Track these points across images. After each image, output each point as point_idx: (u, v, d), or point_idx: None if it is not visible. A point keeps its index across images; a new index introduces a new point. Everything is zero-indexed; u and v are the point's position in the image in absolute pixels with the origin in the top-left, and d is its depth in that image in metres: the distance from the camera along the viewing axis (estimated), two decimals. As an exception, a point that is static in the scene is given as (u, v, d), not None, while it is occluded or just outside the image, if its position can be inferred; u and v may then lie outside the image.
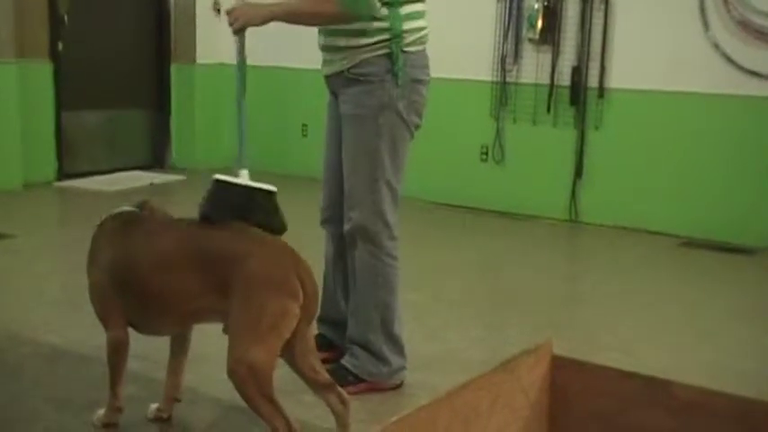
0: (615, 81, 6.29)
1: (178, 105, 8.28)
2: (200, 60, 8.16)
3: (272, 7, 3.10)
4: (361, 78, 3.12)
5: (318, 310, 2.64)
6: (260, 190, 2.72)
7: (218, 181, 2.72)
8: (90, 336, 3.51)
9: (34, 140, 6.99)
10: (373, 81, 3.10)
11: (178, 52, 8.20)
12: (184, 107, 8.26)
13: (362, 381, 3.21)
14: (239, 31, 3.11)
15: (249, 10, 3.10)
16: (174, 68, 8.24)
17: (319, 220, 3.45)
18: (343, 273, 3.36)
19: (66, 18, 7.23)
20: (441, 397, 1.55)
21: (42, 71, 7.09)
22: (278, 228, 2.67)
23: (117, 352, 2.74)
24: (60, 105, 7.28)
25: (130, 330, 2.76)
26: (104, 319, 2.74)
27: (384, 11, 3.02)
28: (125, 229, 2.72)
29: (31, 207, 6.56)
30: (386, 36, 3.06)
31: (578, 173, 6.50)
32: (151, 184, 7.45)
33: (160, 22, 8.17)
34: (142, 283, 2.62)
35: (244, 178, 2.87)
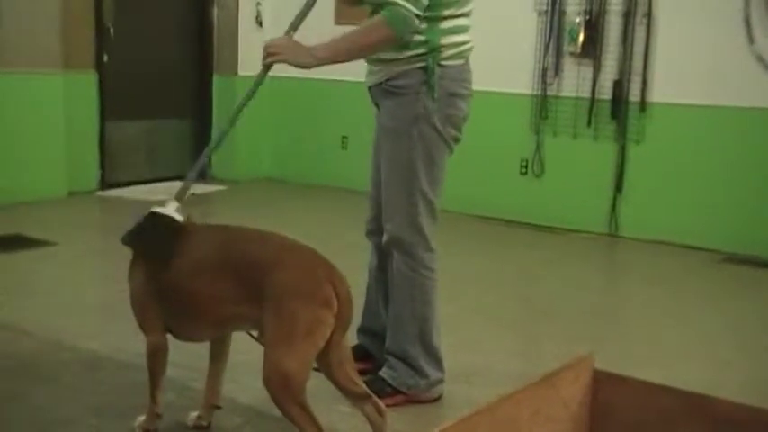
0: (657, 95, 6.24)
1: (219, 117, 8.35)
2: (241, 72, 8.22)
3: (317, 53, 3.02)
4: (397, 90, 3.12)
5: (353, 318, 2.63)
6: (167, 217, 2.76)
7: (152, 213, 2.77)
8: (129, 343, 3.55)
9: (78, 150, 7.09)
10: (408, 93, 3.10)
11: (220, 64, 8.28)
12: (225, 118, 8.30)
13: (400, 393, 3.20)
14: (269, 66, 3.08)
15: (291, 50, 3.03)
16: (215, 80, 8.31)
17: (364, 230, 3.45)
18: (384, 284, 3.35)
19: (111, 30, 7.33)
20: (482, 408, 1.54)
21: (87, 82, 7.19)
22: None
23: (156, 357, 2.77)
24: (104, 115, 7.38)
25: (169, 338, 2.79)
26: (144, 324, 2.77)
27: (423, 25, 3.02)
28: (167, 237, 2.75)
29: (74, 215, 6.64)
30: (423, 50, 3.05)
31: (618, 187, 6.45)
32: (192, 194, 7.49)
33: (203, 34, 8.25)
34: (180, 289, 2.65)
35: (171, 208, 2.81)
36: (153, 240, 2.74)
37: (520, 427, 1.64)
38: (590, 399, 1.82)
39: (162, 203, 2.83)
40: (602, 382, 1.83)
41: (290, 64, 3.06)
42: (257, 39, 8.15)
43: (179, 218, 2.77)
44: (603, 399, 1.82)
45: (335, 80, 7.70)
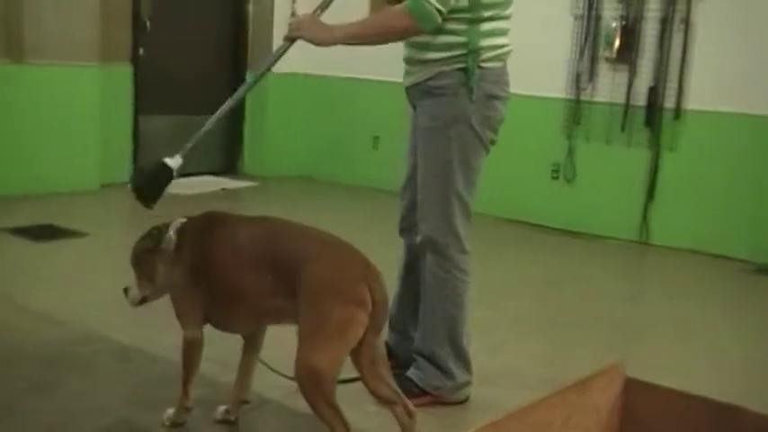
0: (692, 102, 6.19)
1: (251, 113, 8.39)
2: (275, 69, 8.22)
3: (334, 31, 3.09)
4: (436, 91, 3.13)
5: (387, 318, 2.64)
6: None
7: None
8: (159, 335, 3.58)
9: (112, 142, 7.15)
10: (447, 94, 3.11)
11: (254, 60, 8.32)
12: (257, 115, 8.36)
13: (427, 394, 3.21)
14: (292, 40, 3.14)
15: (314, 27, 3.10)
16: (249, 76, 8.34)
17: (398, 229, 3.45)
18: (412, 283, 3.36)
19: (148, 24, 7.39)
20: (513, 413, 1.54)
21: (123, 75, 7.26)
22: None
23: (192, 351, 2.79)
24: (138, 109, 7.44)
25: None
26: (182, 316, 2.79)
27: (463, 26, 3.02)
28: (208, 228, 2.78)
29: (106, 207, 6.71)
30: (463, 51, 3.05)
31: (650, 194, 6.41)
32: (222, 189, 7.56)
33: (238, 30, 8.30)
34: (222, 280, 2.68)
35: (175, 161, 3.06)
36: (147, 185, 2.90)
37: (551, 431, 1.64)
38: (620, 406, 1.82)
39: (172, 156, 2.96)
40: (634, 390, 1.82)
41: (309, 40, 3.12)
42: (291, 36, 8.20)
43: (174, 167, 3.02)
44: (634, 407, 1.81)
45: (368, 80, 7.72)
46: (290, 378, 2.76)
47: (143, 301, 2.90)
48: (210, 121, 3.23)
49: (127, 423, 2.91)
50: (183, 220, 2.89)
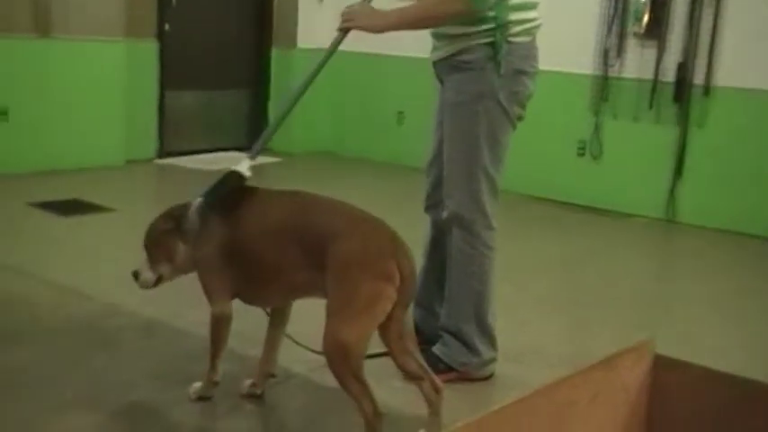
0: (722, 79, 6.10)
1: (277, 89, 8.38)
2: (300, 45, 8.23)
3: (389, 17, 3.08)
4: (463, 66, 3.10)
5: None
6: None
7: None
8: (184, 310, 3.60)
9: (137, 118, 7.18)
10: (474, 69, 3.08)
11: (279, 36, 8.30)
12: (283, 90, 8.35)
13: (452, 369, 3.20)
14: (346, 31, 3.11)
15: (367, 15, 3.09)
16: (274, 52, 8.34)
17: (423, 205, 3.44)
18: (438, 259, 3.35)
19: (174, -1, 7.40)
20: (540, 389, 1.52)
21: (148, 51, 7.27)
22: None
23: (220, 326, 2.79)
24: (163, 84, 7.45)
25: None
26: (211, 291, 2.79)
27: (491, 0, 2.99)
28: (240, 201, 2.77)
29: (132, 183, 6.75)
30: (491, 25, 3.02)
31: (678, 171, 6.34)
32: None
33: (263, 6, 8.27)
34: (252, 254, 2.67)
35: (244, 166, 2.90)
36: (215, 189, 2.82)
37: (579, 409, 1.63)
38: (650, 384, 1.80)
39: (237, 161, 2.89)
40: (662, 368, 1.80)
41: (363, 29, 3.09)
42: (316, 12, 8.17)
43: (246, 174, 2.84)
44: (663, 384, 1.79)
45: (392, 56, 7.68)
46: (318, 352, 2.77)
47: (157, 282, 2.89)
48: (273, 124, 3.19)
49: (152, 397, 2.93)
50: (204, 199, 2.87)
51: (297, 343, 3.11)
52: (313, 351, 3.09)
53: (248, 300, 2.82)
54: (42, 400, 2.86)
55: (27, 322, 3.55)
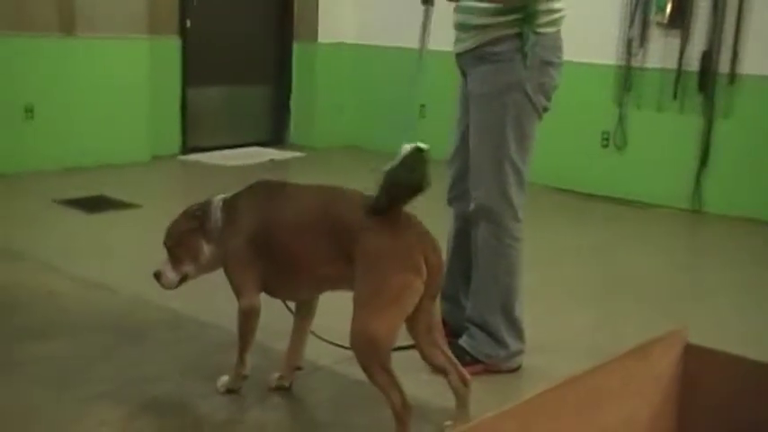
0: (747, 67, 6.03)
1: (299, 83, 8.40)
2: (321, 39, 8.24)
3: None
4: (491, 57, 3.09)
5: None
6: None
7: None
8: (210, 303, 3.62)
9: (161, 115, 7.22)
10: (502, 60, 3.07)
11: (300, 31, 8.31)
12: (305, 85, 8.37)
13: (479, 362, 3.20)
14: (428, 2, 3.03)
15: None
16: (295, 47, 8.35)
17: (446, 198, 3.43)
18: (464, 252, 3.34)
19: (195, -5, 7.43)
20: (570, 379, 1.51)
21: (171, 47, 7.30)
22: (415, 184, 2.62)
23: (249, 319, 2.80)
24: (186, 81, 7.49)
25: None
26: (240, 285, 2.79)
27: None
28: (269, 195, 2.78)
29: (157, 179, 6.78)
30: (519, 15, 3.01)
31: (703, 161, 6.28)
32: (271, 160, 7.59)
33: (284, 1, 8.27)
34: (282, 246, 2.68)
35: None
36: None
37: (609, 398, 1.62)
38: (681, 373, 1.78)
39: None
40: (694, 357, 1.78)
41: None
42: (337, 6, 8.17)
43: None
44: (695, 374, 1.78)
45: (413, 48, 7.65)
46: (344, 347, 2.78)
47: (181, 281, 2.91)
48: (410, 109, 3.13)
49: (180, 390, 2.95)
50: (224, 196, 2.88)
51: (322, 339, 3.12)
52: (340, 346, 3.10)
53: (275, 293, 2.83)
54: (71, 393, 2.89)
55: (55, 317, 3.58)
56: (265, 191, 2.82)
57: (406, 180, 2.54)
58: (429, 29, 3.10)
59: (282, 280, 2.76)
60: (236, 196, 2.87)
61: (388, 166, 2.61)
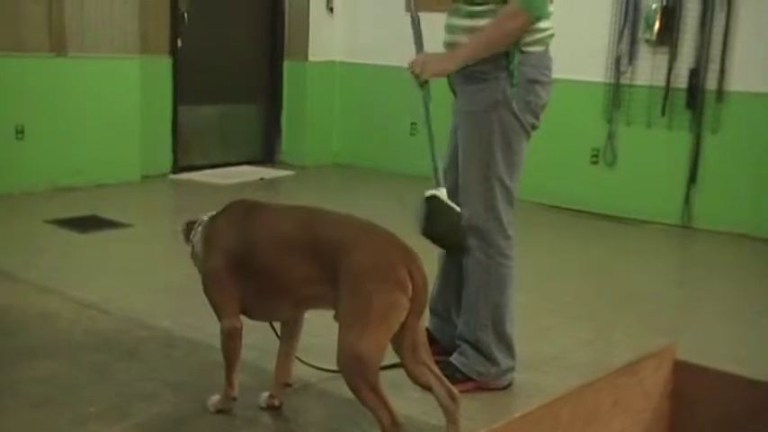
0: (735, 84, 6.09)
1: (290, 102, 8.42)
2: (312, 58, 8.27)
3: (458, 53, 3.09)
4: (477, 75, 3.12)
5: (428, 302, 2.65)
6: (457, 213, 3.11)
7: (433, 197, 3.09)
8: (203, 322, 3.61)
9: (152, 134, 7.21)
10: (488, 78, 3.09)
11: (291, 50, 8.34)
12: (296, 104, 8.39)
13: (470, 379, 3.20)
14: (425, 83, 3.15)
15: (434, 61, 3.11)
16: (286, 65, 8.38)
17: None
18: (456, 269, 3.35)
19: (186, 15, 7.44)
20: (562, 396, 1.53)
21: (162, 66, 7.31)
22: (460, 248, 3.16)
23: (232, 340, 2.81)
24: (177, 100, 7.50)
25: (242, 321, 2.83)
26: (219, 306, 2.80)
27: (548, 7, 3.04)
28: (247, 215, 2.79)
29: (148, 198, 6.78)
30: None
31: (693, 178, 6.33)
32: (261, 179, 7.59)
33: (275, 20, 8.31)
34: (261, 266, 2.68)
35: (444, 196, 3.11)
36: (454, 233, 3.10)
37: (601, 415, 1.63)
38: (671, 389, 1.80)
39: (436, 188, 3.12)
40: (684, 373, 1.80)
41: (439, 74, 3.15)
42: (328, 25, 8.21)
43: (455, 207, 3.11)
44: (685, 390, 1.80)
45: (404, 67, 7.69)
46: (331, 370, 2.80)
47: None
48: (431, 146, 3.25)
49: (174, 409, 2.94)
50: (212, 214, 2.90)
51: (307, 364, 3.14)
52: (325, 370, 3.12)
53: (254, 314, 2.83)
54: (66, 413, 2.88)
55: (48, 337, 3.58)
56: (242, 210, 2.83)
57: (454, 241, 3.12)
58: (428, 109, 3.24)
59: (261, 301, 2.76)
60: (215, 216, 2.88)
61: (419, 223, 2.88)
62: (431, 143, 3.23)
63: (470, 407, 2.93)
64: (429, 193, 3.11)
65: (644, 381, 1.73)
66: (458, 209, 3.10)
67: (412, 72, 3.13)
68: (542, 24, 3.09)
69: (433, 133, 3.23)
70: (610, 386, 1.64)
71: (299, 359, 3.06)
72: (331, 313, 2.61)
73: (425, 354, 2.63)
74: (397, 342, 2.57)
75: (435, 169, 3.18)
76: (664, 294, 4.87)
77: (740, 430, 1.80)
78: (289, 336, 2.96)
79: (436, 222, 3.10)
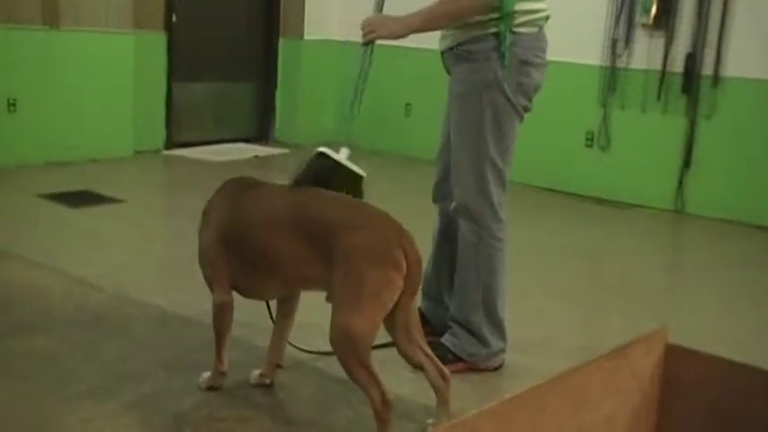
0: (731, 69, 6.09)
1: (284, 80, 8.39)
2: (307, 36, 8.23)
3: (407, 20, 3.09)
4: (468, 56, 3.11)
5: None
6: (351, 172, 2.85)
7: (320, 153, 2.84)
8: (195, 299, 3.62)
9: (146, 110, 7.19)
10: (479, 59, 3.08)
11: (286, 28, 8.30)
12: (290, 82, 8.36)
13: (461, 360, 3.21)
14: (370, 43, 3.14)
15: (385, 23, 3.10)
16: (281, 43, 8.34)
17: (432, 196, 3.44)
18: (447, 250, 3.36)
19: (181, -9, 7.40)
20: (551, 379, 1.53)
21: (156, 42, 7.27)
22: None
23: (223, 316, 2.81)
24: (171, 76, 7.46)
25: (235, 297, 2.83)
26: (212, 282, 2.81)
27: None
28: (242, 193, 2.79)
29: (141, 174, 6.76)
30: (496, 15, 3.02)
31: (686, 163, 6.34)
32: (255, 156, 7.58)
33: (270, -3, 8.27)
34: (252, 244, 2.68)
35: (343, 155, 2.92)
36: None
37: (590, 398, 1.63)
38: (662, 373, 1.80)
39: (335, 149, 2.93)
40: (676, 357, 1.80)
41: (386, 38, 3.12)
42: (323, 3, 8.17)
43: (347, 164, 2.88)
44: (676, 374, 1.80)
45: (400, 47, 7.65)
46: (323, 353, 2.82)
47: None
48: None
49: (164, 387, 2.94)
50: None
51: (300, 349, 3.15)
52: (317, 353, 3.13)
53: (245, 292, 2.83)
54: (56, 389, 2.88)
55: (39, 313, 3.57)
56: (237, 188, 2.84)
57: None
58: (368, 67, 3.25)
59: (252, 279, 2.76)
60: (218, 190, 2.89)
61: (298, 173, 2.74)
62: (354, 96, 3.27)
63: (461, 388, 2.93)
64: (319, 150, 2.87)
65: (634, 364, 1.73)
66: (359, 171, 2.88)
67: (361, 30, 3.12)
68: (536, 5, 3.07)
69: (362, 88, 3.27)
70: (600, 369, 1.64)
71: (291, 344, 3.06)
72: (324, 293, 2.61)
73: (418, 334, 2.63)
74: (390, 322, 2.57)
75: (350, 117, 3.23)
76: (656, 279, 4.88)
77: (731, 414, 1.80)
78: (283, 316, 2.96)
79: (313, 179, 2.81)
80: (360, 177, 2.85)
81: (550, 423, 1.56)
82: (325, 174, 2.79)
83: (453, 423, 1.39)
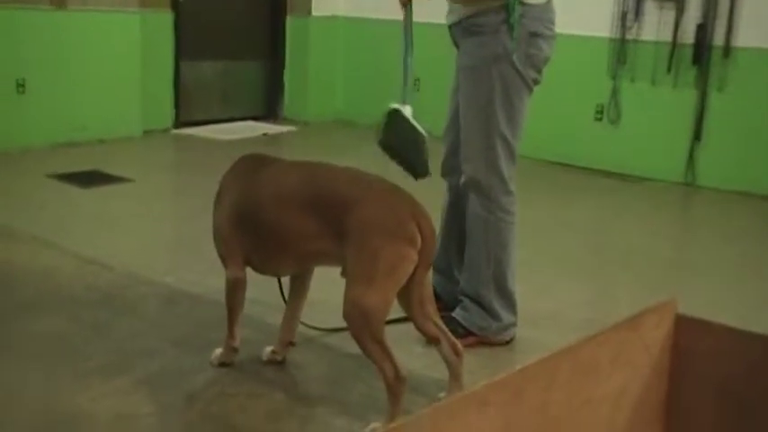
0: (742, 40, 6.02)
1: (292, 57, 8.36)
2: (315, 13, 8.19)
3: None
4: (477, 29, 3.08)
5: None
6: (420, 132, 2.98)
7: (395, 111, 3.05)
8: (204, 278, 3.62)
9: (154, 89, 7.17)
10: (487, 32, 3.05)
11: (294, 4, 8.25)
12: (298, 59, 8.33)
13: (472, 334, 3.21)
14: (409, 3, 3.14)
15: None
16: (289, 20, 8.30)
17: (440, 171, 3.43)
18: (457, 225, 3.34)
19: (187, -31, 7.37)
20: (562, 350, 1.52)
21: (163, 21, 7.25)
22: (423, 171, 2.95)
23: (235, 292, 2.81)
24: (179, 55, 7.44)
25: (247, 275, 2.83)
26: (225, 258, 2.81)
27: None
28: (254, 169, 2.78)
29: (149, 153, 6.76)
30: None
31: (697, 135, 6.29)
32: (264, 134, 7.56)
33: (277, -26, 8.22)
34: (265, 221, 2.68)
35: (407, 112, 3.07)
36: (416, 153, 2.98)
37: (600, 369, 1.62)
38: (672, 344, 1.79)
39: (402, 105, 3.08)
40: (686, 328, 1.79)
41: None
42: (331, -21, 8.12)
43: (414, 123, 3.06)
44: (686, 344, 1.78)
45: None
46: (336, 329, 2.80)
47: None
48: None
49: (175, 364, 2.95)
50: None
51: (312, 327, 3.15)
52: (329, 330, 3.13)
53: (260, 268, 2.83)
54: (67, 368, 2.89)
55: (50, 292, 3.58)
56: (249, 165, 2.83)
57: (416, 162, 2.96)
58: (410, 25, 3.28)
59: (266, 255, 2.75)
60: (227, 172, 2.89)
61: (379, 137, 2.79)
62: (405, 56, 3.33)
63: (472, 361, 2.93)
64: (392, 106, 3.08)
65: (645, 335, 1.72)
66: (422, 130, 3.02)
67: None
68: (545, -23, 3.04)
69: (411, 47, 3.30)
70: (610, 341, 1.63)
71: (304, 323, 3.07)
72: (337, 270, 2.61)
73: (432, 308, 2.63)
74: (405, 296, 2.56)
75: (406, 83, 3.25)
76: (666, 252, 4.86)
77: (741, 384, 1.79)
78: (296, 294, 2.96)
79: (394, 135, 3.06)
80: (421, 134, 2.99)
81: (560, 395, 1.55)
82: (405, 132, 3.01)
83: (464, 394, 1.39)
